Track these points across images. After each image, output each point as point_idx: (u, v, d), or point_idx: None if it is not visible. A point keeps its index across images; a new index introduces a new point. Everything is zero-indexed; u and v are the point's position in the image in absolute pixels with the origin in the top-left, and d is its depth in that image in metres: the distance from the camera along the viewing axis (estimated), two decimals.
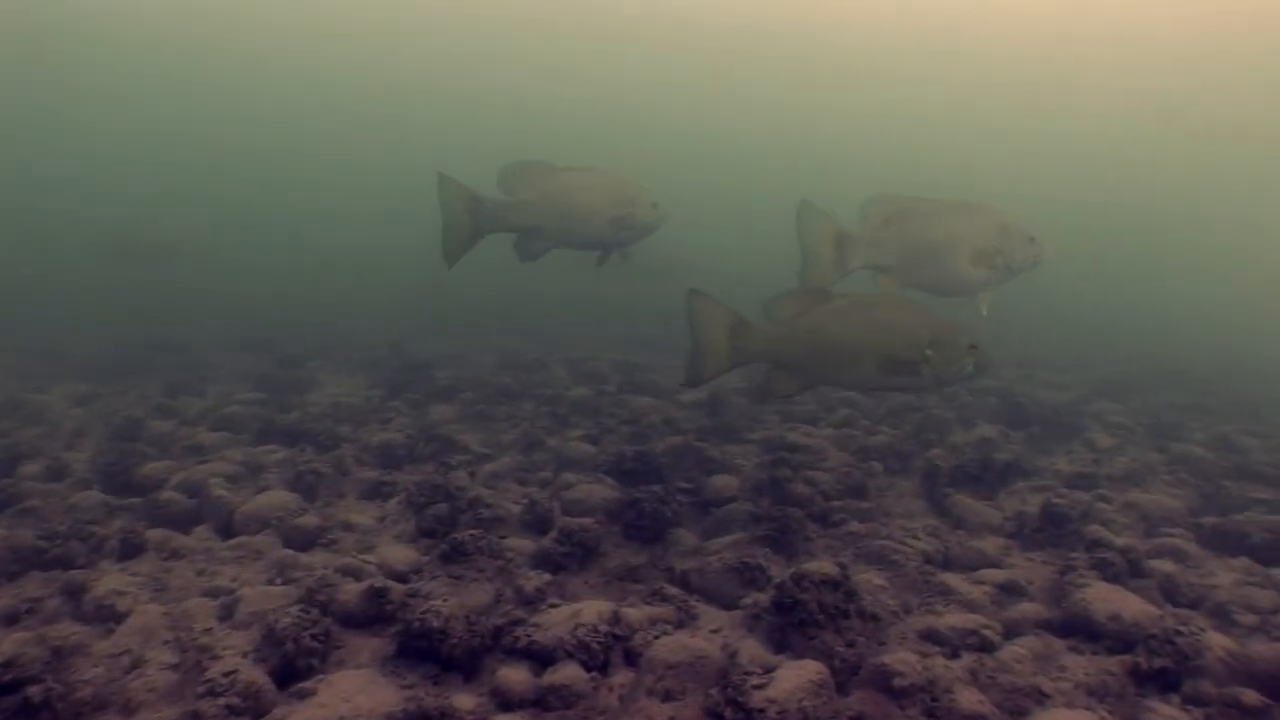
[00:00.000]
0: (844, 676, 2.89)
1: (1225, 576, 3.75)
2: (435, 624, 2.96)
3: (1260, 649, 2.96)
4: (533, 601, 3.44)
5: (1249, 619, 3.39)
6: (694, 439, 5.77)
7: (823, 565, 3.18)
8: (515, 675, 2.86)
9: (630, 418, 6.36)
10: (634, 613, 3.25)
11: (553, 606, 3.27)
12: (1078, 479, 5.10)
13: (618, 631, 3.08)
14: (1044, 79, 39.08)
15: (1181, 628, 2.97)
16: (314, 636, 2.98)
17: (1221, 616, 3.44)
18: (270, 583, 3.61)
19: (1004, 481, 4.97)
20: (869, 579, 3.59)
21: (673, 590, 3.51)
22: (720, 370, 4.19)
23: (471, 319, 13.23)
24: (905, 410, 6.52)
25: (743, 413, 6.73)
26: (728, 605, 3.48)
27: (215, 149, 36.62)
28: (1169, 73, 35.35)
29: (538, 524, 4.29)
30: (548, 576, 3.68)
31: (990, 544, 4.13)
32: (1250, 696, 2.65)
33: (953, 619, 3.30)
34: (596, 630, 3.01)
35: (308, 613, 3.05)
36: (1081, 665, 3.03)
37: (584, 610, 3.11)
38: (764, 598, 3.29)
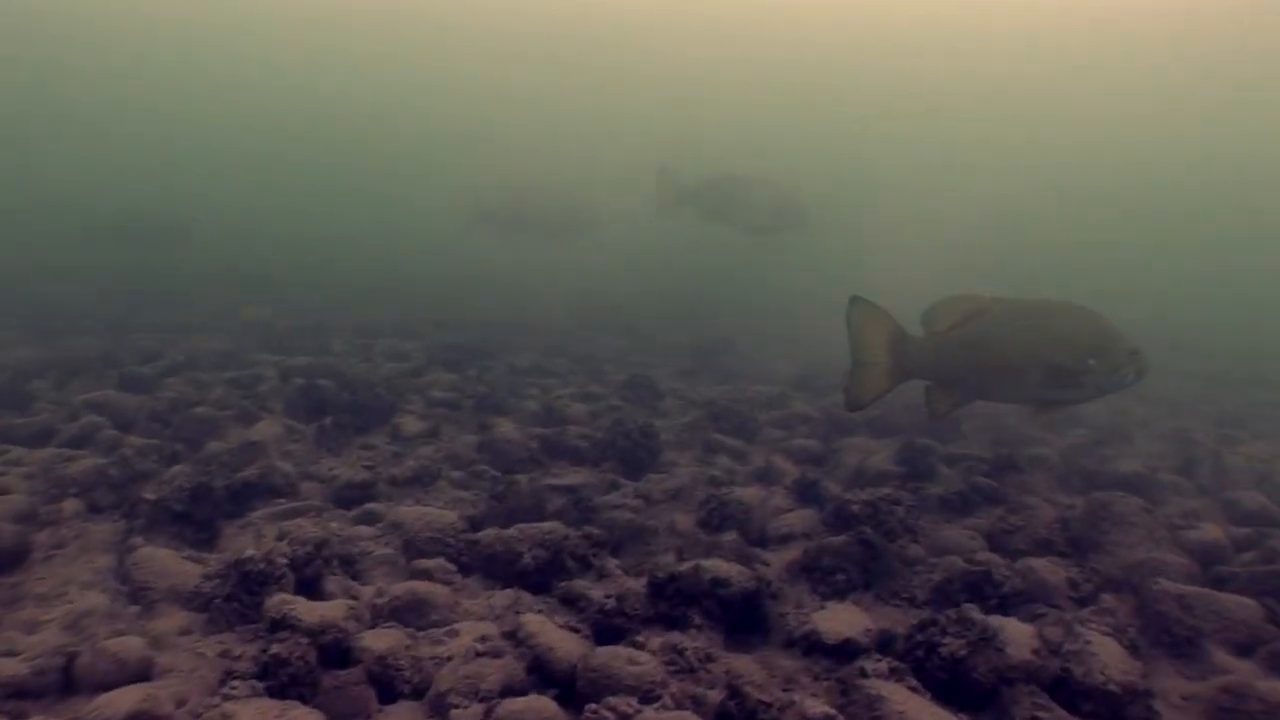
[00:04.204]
0: None
1: (464, 637, 2.77)
2: None
3: None
4: None
5: (473, 711, 2.44)
6: None
7: None
8: None
9: None
10: None
11: None
12: (347, 491, 3.96)
13: None
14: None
15: None
16: None
17: (440, 715, 2.46)
18: None
19: (234, 512, 3.61)
20: None
21: None
22: (881, 393, 3.96)
23: None
24: (173, 409, 4.88)
25: None
26: None
27: None
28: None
29: None
30: None
31: (157, 632, 2.73)
32: None
33: None
34: None
35: None
36: None
37: None
38: None
